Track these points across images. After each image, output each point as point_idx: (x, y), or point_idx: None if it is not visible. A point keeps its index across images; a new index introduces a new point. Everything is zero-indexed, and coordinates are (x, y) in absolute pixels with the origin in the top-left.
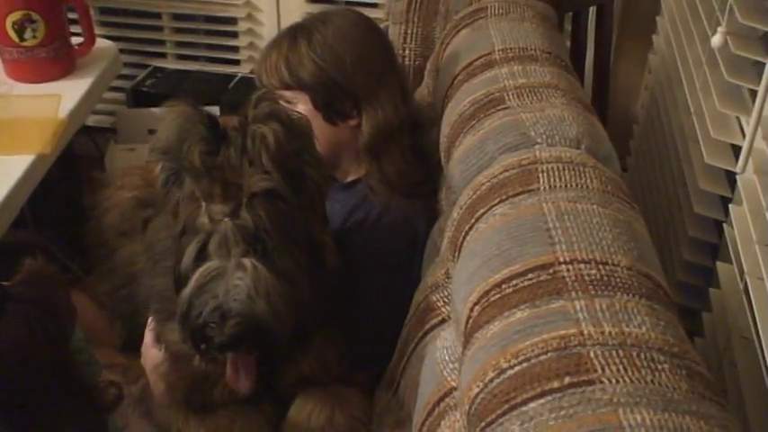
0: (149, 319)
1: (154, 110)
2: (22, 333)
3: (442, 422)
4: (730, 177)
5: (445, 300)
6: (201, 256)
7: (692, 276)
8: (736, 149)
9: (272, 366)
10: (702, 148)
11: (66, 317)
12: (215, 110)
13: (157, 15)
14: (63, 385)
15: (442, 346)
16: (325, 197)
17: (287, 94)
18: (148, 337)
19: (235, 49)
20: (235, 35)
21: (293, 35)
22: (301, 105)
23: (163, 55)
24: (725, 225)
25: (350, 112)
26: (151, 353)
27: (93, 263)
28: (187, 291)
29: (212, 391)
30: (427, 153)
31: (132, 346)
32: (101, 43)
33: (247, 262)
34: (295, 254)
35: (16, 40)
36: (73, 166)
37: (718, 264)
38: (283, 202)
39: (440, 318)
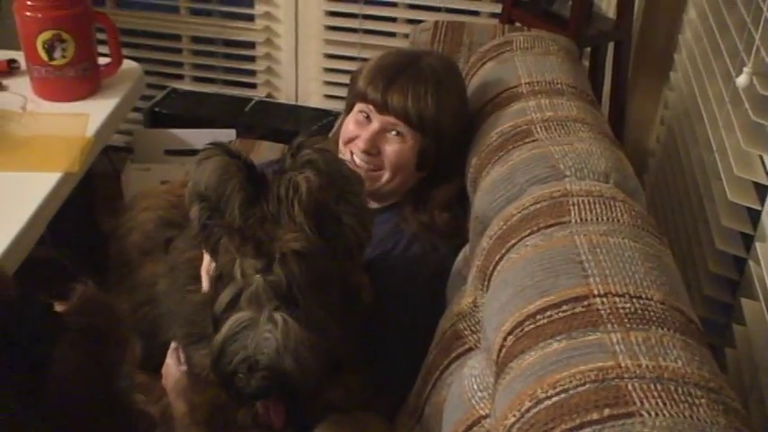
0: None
1: (170, 131)
2: (75, 365)
3: None
4: (751, 214)
5: (472, 328)
6: (234, 305)
7: (712, 312)
8: (758, 187)
9: (301, 402)
10: (725, 186)
11: (118, 347)
12: (231, 133)
13: (177, 37)
14: (107, 414)
15: (470, 375)
16: (365, 245)
17: (401, 126)
18: (171, 357)
19: (252, 72)
20: (252, 59)
21: (438, 80)
22: (410, 142)
23: (180, 77)
24: (749, 262)
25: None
26: (173, 372)
27: (113, 281)
28: (220, 337)
29: (235, 415)
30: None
31: (151, 364)
32: (126, 64)
33: (278, 316)
34: (327, 304)
35: (46, 59)
36: (89, 184)
37: (743, 300)
38: (317, 258)
39: (466, 346)
